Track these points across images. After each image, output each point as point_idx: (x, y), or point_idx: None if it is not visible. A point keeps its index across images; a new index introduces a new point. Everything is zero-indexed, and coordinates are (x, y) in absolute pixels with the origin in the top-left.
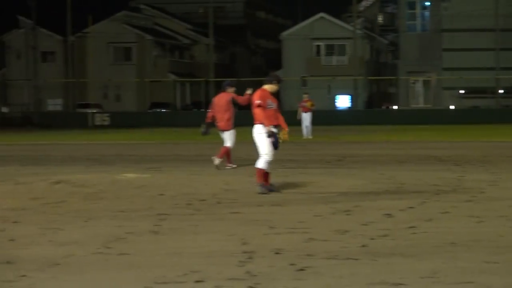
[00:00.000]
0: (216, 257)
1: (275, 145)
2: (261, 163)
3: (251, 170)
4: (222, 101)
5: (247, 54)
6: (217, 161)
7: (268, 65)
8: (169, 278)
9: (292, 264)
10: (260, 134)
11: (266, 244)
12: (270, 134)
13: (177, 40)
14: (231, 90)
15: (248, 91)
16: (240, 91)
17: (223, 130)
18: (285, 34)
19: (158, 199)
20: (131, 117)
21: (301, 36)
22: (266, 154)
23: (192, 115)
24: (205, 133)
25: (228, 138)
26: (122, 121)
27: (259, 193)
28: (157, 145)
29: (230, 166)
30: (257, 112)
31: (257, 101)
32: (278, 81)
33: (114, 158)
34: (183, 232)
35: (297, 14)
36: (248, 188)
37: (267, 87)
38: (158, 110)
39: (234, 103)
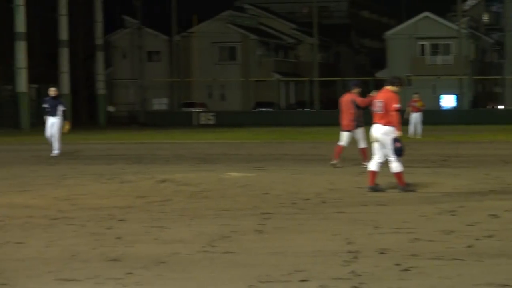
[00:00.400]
0: (320, 257)
1: (400, 151)
2: (397, 167)
3: (356, 170)
4: (345, 101)
5: (351, 54)
6: (366, 164)
7: (372, 64)
8: (274, 277)
9: (397, 264)
10: (387, 136)
11: (371, 244)
12: (398, 140)
13: (282, 39)
14: (355, 90)
15: (372, 93)
16: (346, 91)
17: (345, 130)
18: (389, 33)
19: (262, 198)
20: (235, 116)
21: (406, 36)
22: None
23: (297, 115)
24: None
25: (360, 138)
26: (226, 120)
27: (405, 191)
28: (262, 144)
29: (335, 163)
30: (394, 115)
31: (397, 105)
32: (401, 84)
33: (219, 157)
34: (287, 231)
35: (401, 13)
36: (353, 187)
37: (392, 89)
38: (263, 109)
39: (355, 104)
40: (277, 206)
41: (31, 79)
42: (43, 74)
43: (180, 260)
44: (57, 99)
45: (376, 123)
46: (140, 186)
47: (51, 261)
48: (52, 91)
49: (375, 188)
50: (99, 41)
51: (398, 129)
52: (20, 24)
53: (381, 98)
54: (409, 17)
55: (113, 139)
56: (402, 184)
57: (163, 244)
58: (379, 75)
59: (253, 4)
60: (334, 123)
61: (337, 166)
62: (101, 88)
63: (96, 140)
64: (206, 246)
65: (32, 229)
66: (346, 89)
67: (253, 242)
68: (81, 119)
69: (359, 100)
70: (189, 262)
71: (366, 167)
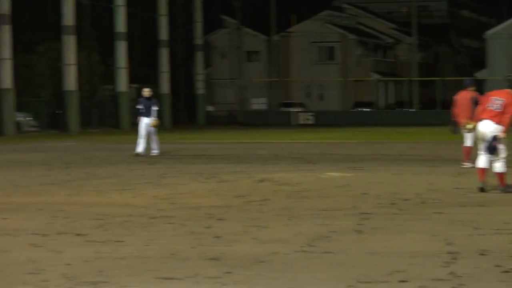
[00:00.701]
0: (419, 257)
1: (494, 150)
2: (500, 167)
3: (455, 170)
4: (463, 99)
5: (450, 53)
6: (466, 164)
7: (472, 64)
8: (373, 278)
9: (497, 266)
10: (494, 133)
11: (471, 245)
12: (497, 140)
13: (380, 39)
14: (472, 88)
15: None
16: (446, 92)
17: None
18: (489, 33)
19: (361, 198)
20: (334, 116)
21: (506, 35)
22: (504, 156)
23: (395, 115)
24: (454, 132)
25: (469, 137)
26: (325, 120)
27: (506, 192)
28: (360, 144)
29: (466, 164)
30: (508, 118)
31: None
32: None
33: (318, 157)
34: (386, 231)
35: (501, 13)
36: (452, 188)
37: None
38: (361, 109)
39: (475, 102)
40: (376, 206)
41: (131, 79)
42: (143, 74)
43: (278, 260)
44: (151, 100)
45: (487, 119)
46: (239, 185)
47: (151, 259)
48: (146, 92)
49: (483, 187)
50: (199, 41)
51: (504, 131)
52: (120, 24)
53: (502, 97)
54: (510, 16)
55: (212, 138)
56: (503, 184)
57: (262, 244)
58: (479, 75)
59: (352, 4)
60: (434, 123)
61: (466, 166)
62: (200, 88)
63: (195, 139)
64: (304, 246)
65: (132, 227)
66: (462, 88)
67: (352, 242)
68: (180, 118)
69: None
70: (288, 261)
71: (465, 167)
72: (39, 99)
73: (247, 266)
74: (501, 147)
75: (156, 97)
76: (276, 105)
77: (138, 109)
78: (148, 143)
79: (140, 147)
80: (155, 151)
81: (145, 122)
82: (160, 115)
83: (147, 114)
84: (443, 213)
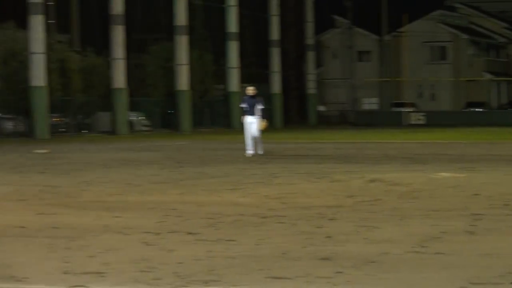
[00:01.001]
0: None
1: None
2: None
3: None
4: None
5: None
6: None
7: None
8: (485, 279)
9: None
10: None
11: None
12: None
13: (493, 39)
14: None
15: None
16: None
17: None
18: None
19: (473, 199)
20: (446, 116)
21: None
22: None
23: (508, 115)
24: None
25: None
26: (437, 120)
27: None
28: (472, 144)
29: None
30: None
31: None
32: None
33: (429, 157)
34: (499, 232)
35: None
36: None
37: None
38: (473, 109)
39: None
40: (488, 207)
41: (243, 79)
42: (254, 73)
43: (389, 260)
44: (255, 98)
45: None
46: (350, 185)
47: (262, 258)
48: (250, 90)
49: None
50: (310, 41)
51: None
52: (232, 24)
53: None
54: None
55: (323, 138)
56: None
57: (373, 244)
58: None
59: (464, 3)
60: None
61: None
62: (311, 87)
63: (306, 139)
64: (416, 247)
65: (243, 227)
66: None
67: (464, 243)
68: (291, 118)
69: None
70: (399, 262)
71: None
72: (152, 98)
73: (358, 266)
74: None
75: (267, 96)
76: (387, 105)
77: (242, 107)
78: (254, 143)
79: (250, 147)
80: (259, 151)
81: (249, 121)
82: (269, 114)
83: (251, 113)
84: None
